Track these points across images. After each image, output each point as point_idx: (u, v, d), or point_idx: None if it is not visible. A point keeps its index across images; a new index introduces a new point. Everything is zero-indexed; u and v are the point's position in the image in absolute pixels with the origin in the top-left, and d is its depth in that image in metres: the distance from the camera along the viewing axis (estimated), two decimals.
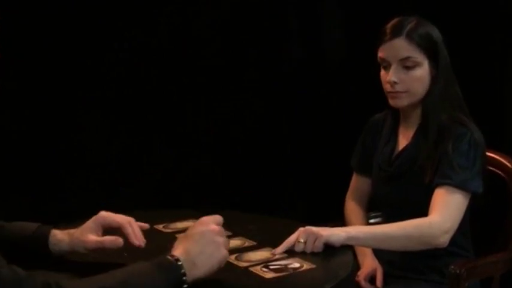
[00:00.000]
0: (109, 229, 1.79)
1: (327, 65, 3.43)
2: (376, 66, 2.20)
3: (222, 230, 1.62)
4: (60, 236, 1.78)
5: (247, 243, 1.90)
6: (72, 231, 1.78)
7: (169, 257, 1.53)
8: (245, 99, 3.42)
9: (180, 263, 1.51)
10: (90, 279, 1.48)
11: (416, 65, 2.11)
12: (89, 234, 1.76)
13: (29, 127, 3.15)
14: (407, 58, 2.11)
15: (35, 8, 3.11)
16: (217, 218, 1.64)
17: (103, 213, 1.80)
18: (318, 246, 1.83)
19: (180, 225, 2.10)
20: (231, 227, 1.96)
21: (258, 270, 1.70)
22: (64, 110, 3.23)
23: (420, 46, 2.10)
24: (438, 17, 2.24)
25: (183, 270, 1.51)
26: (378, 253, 2.27)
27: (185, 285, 1.51)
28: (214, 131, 3.43)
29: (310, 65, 3.45)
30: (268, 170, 3.44)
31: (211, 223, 1.61)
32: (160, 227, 2.09)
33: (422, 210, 2.04)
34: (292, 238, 1.84)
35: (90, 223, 1.78)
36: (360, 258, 2.29)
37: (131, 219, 1.81)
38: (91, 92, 3.25)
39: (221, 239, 1.59)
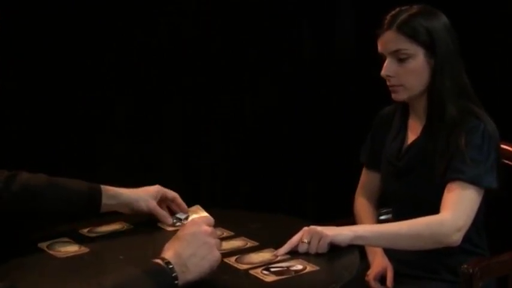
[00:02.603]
0: (164, 199, 1.99)
1: (333, 63, 3.36)
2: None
3: (214, 230, 1.53)
4: (117, 191, 1.93)
5: (249, 243, 1.79)
6: (130, 189, 1.96)
7: (159, 261, 1.43)
8: (247, 98, 3.36)
9: (171, 266, 1.42)
10: None
11: (409, 57, 1.99)
12: (152, 198, 1.95)
13: (29, 127, 3.08)
14: (397, 51, 1.99)
15: (35, 8, 3.05)
16: (209, 218, 1.57)
17: (160, 187, 1.99)
18: (323, 247, 1.71)
19: None
20: (233, 227, 1.88)
21: (258, 273, 1.59)
22: (64, 110, 3.16)
23: (412, 38, 1.98)
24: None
25: (174, 274, 1.42)
26: (389, 251, 2.14)
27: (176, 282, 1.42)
28: (217, 128, 3.36)
29: (314, 62, 3.37)
30: (274, 169, 3.36)
31: (203, 224, 1.52)
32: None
33: (433, 207, 1.91)
34: (295, 238, 1.72)
35: (152, 190, 1.96)
36: (369, 256, 2.16)
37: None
38: (91, 92, 3.19)
39: (213, 241, 1.50)
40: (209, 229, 1.51)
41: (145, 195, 1.95)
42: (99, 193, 1.91)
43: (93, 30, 3.13)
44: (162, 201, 1.99)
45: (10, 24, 2.93)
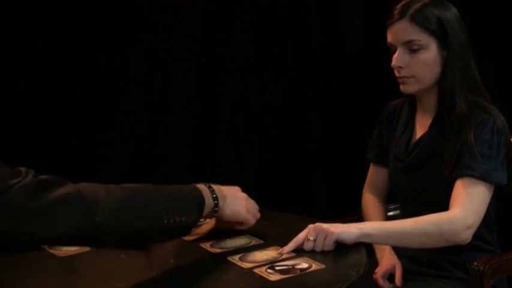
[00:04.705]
0: None
1: (340, 59, 3.28)
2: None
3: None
4: None
5: (254, 241, 1.75)
6: None
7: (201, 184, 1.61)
8: (253, 95, 3.30)
9: (212, 189, 1.61)
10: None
11: (421, 48, 1.92)
12: None
13: (29, 127, 3.09)
14: (410, 41, 1.92)
15: (36, 8, 3.07)
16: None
17: None
18: (329, 245, 1.67)
19: None
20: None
21: (262, 271, 1.54)
22: (67, 110, 3.17)
23: (425, 28, 1.91)
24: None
25: (215, 195, 1.60)
26: (398, 248, 2.08)
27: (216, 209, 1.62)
28: (223, 125, 3.31)
29: (321, 58, 3.29)
30: (281, 166, 3.31)
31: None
32: None
33: (441, 204, 1.85)
34: (301, 236, 1.68)
35: None
36: (378, 254, 2.10)
37: None
38: (94, 92, 3.20)
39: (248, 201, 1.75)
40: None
41: None
42: None
43: (93, 30, 3.13)
44: None
45: (11, 25, 2.95)
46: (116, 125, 3.27)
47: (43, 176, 1.34)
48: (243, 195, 1.74)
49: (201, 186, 1.60)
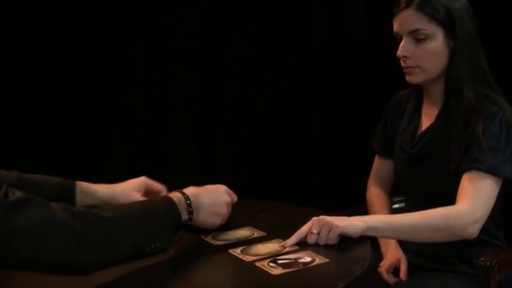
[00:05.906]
0: (149, 192, 1.79)
1: (343, 51, 3.22)
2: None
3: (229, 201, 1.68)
4: (92, 187, 1.74)
5: (256, 233, 1.68)
6: (108, 185, 1.76)
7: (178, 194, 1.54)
8: (254, 87, 3.26)
9: (188, 201, 1.53)
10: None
11: (427, 37, 1.85)
12: (135, 191, 1.75)
13: (29, 127, 3.08)
14: (416, 31, 1.85)
15: (37, 8, 3.07)
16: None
17: (146, 178, 1.80)
18: (333, 238, 1.59)
19: None
20: (240, 216, 1.77)
21: (264, 265, 1.47)
22: (67, 110, 3.16)
23: (432, 17, 1.84)
24: None
25: (190, 209, 1.53)
26: (403, 242, 2.01)
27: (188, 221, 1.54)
28: (226, 113, 3.27)
29: (324, 48, 3.24)
30: (284, 157, 3.26)
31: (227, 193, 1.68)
32: None
33: (446, 196, 1.78)
34: (304, 229, 1.61)
35: (134, 182, 1.78)
36: (382, 247, 2.03)
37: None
38: (96, 93, 3.19)
39: (228, 199, 1.66)
40: (229, 199, 1.66)
41: (126, 189, 1.75)
42: (72, 189, 1.72)
43: (95, 31, 3.11)
44: (150, 194, 1.79)
45: (13, 26, 2.92)
46: (116, 125, 3.25)
47: (17, 194, 1.26)
48: (224, 201, 1.64)
49: (178, 200, 1.51)
